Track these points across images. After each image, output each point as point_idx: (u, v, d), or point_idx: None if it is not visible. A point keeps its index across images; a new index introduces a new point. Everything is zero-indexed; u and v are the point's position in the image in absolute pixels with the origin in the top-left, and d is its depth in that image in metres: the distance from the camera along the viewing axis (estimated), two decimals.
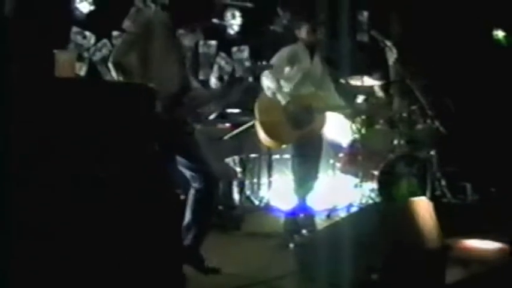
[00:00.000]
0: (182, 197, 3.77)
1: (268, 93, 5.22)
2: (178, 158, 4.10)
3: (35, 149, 2.30)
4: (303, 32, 5.43)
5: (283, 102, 5.17)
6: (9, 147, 2.24)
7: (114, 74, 3.86)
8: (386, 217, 3.72)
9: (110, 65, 3.87)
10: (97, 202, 2.42)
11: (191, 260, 4.18)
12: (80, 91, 2.47)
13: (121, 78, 3.80)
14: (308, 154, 5.38)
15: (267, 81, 5.20)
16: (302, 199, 5.39)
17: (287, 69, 5.32)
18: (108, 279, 2.47)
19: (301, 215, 5.42)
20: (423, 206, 3.86)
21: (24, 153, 2.28)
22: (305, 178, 5.38)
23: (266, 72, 5.17)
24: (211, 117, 6.48)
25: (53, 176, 2.33)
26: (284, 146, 5.55)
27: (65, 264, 2.37)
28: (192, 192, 4.16)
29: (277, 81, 5.20)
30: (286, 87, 5.29)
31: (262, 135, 5.26)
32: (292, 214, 5.44)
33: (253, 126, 6.62)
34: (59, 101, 2.37)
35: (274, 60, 5.30)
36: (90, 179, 2.37)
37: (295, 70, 5.34)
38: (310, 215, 5.48)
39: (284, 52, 5.37)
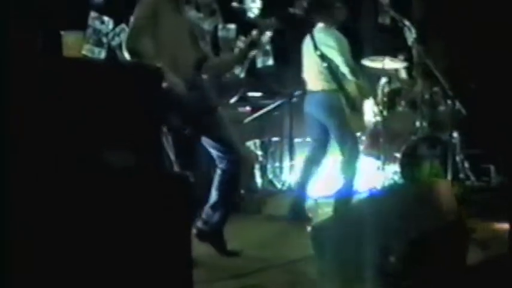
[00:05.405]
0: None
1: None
2: (204, 138, 4.08)
3: (39, 130, 2.28)
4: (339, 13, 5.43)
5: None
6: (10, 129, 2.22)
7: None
8: (408, 199, 3.68)
9: (125, 52, 3.85)
10: (105, 188, 2.37)
11: (214, 240, 4.20)
12: (86, 71, 2.45)
13: None
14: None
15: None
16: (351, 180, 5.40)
17: None
18: (111, 274, 2.40)
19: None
20: (445, 188, 3.82)
21: (28, 133, 2.26)
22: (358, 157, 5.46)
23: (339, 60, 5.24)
24: (232, 100, 6.49)
25: (57, 159, 2.30)
26: None
27: (67, 261, 2.32)
28: (218, 172, 4.16)
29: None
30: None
31: None
32: (343, 195, 5.39)
33: (275, 109, 6.66)
34: (65, 80, 2.35)
35: (337, 43, 5.27)
36: (95, 163, 2.35)
37: None
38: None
39: (338, 34, 5.35)
